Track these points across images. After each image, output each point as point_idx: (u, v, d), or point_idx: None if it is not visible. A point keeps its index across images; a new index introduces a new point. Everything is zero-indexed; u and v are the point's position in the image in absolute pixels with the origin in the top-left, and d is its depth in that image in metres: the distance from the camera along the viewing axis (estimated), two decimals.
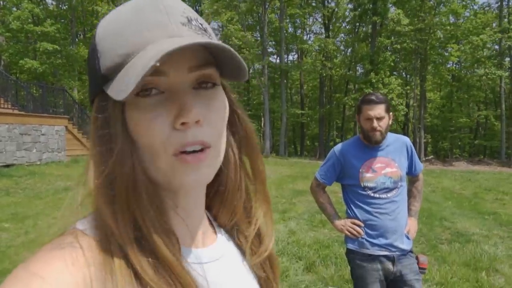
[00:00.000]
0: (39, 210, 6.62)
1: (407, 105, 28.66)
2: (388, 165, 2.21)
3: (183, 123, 0.44)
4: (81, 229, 0.45)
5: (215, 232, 0.58)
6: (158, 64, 0.39)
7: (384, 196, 2.19)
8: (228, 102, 0.52)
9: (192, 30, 0.46)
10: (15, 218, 6.07)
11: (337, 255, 4.56)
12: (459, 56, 25.85)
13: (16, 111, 12.01)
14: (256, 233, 0.59)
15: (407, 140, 2.34)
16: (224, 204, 0.58)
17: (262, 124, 28.94)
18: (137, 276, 0.42)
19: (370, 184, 2.19)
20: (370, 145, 2.23)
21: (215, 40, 0.48)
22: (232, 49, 0.44)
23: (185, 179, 0.46)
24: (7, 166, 10.89)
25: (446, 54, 26.06)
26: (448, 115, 28.44)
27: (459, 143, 32.02)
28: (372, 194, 2.19)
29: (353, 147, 2.30)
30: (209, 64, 0.47)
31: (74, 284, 0.38)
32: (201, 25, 0.48)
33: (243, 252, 0.59)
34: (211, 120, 0.47)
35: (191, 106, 0.44)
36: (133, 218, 0.44)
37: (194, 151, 0.45)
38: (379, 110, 2.14)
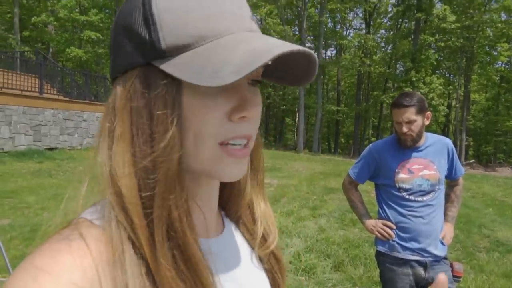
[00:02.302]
0: (87, 195, 6.92)
1: (449, 106, 27.51)
2: (426, 167, 2.11)
3: (242, 117, 0.44)
4: (90, 219, 0.43)
5: (223, 222, 0.58)
6: (269, 63, 0.38)
7: (419, 199, 2.10)
8: None
9: (256, 25, 0.46)
10: (56, 199, 6.39)
11: (366, 256, 4.47)
12: (509, 56, 24.43)
13: (61, 97, 12.59)
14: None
15: (448, 142, 2.23)
16: (233, 196, 0.58)
17: (297, 119, 28.77)
18: (148, 271, 0.40)
19: (406, 186, 2.11)
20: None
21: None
22: (316, 63, 0.45)
23: (229, 171, 0.45)
24: (51, 149, 11.48)
25: (495, 53, 24.74)
26: (494, 118, 27.03)
27: (504, 148, 30.38)
28: (407, 196, 2.11)
29: (390, 145, 2.21)
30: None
31: (82, 279, 0.37)
32: (255, 18, 0.48)
33: (249, 243, 0.59)
34: (257, 117, 0.47)
35: (253, 102, 0.44)
36: (168, 209, 0.42)
37: (238, 145, 0.45)
38: (408, 114, 2.04)
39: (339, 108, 30.05)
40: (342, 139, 37.81)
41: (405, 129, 2.05)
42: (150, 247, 0.40)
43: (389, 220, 2.16)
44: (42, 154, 10.60)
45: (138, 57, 0.42)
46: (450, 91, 26.41)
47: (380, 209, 2.24)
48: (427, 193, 2.10)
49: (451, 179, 2.27)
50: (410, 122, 2.04)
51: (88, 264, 0.38)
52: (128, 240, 0.41)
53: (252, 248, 0.58)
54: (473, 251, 5.15)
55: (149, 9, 0.42)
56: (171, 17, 0.41)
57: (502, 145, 29.68)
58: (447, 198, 2.27)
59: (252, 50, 0.39)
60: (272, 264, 0.60)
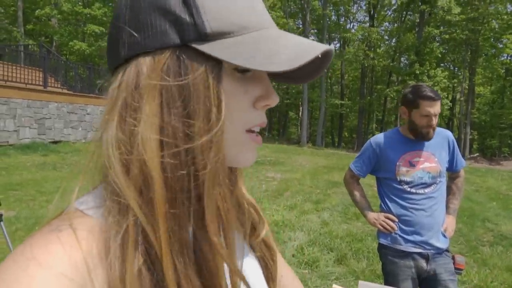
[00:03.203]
0: (83, 186, 6.97)
1: (453, 99, 27.35)
2: (427, 160, 2.12)
3: (265, 105, 0.47)
4: (81, 209, 0.43)
5: None
6: (320, 56, 0.44)
7: (421, 191, 2.10)
8: None
9: None
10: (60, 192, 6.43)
11: (369, 249, 4.48)
12: None
13: (65, 91, 12.62)
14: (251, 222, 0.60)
15: (449, 134, 2.24)
16: None
17: (300, 113, 28.72)
18: (150, 262, 0.40)
19: (407, 179, 2.11)
20: (412, 138, 2.14)
21: None
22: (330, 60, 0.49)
23: (250, 157, 0.48)
24: (55, 142, 11.54)
25: (501, 46, 24.49)
26: (499, 111, 26.82)
27: (509, 142, 30.18)
28: (408, 189, 2.11)
29: (391, 139, 2.21)
30: None
31: (73, 270, 0.37)
32: None
33: (239, 232, 0.59)
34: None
35: (274, 91, 0.48)
36: (217, 190, 0.43)
37: (256, 132, 0.49)
38: (438, 107, 2.05)
39: (342, 102, 29.96)
40: (346, 133, 37.73)
41: (434, 122, 2.05)
42: (168, 232, 0.41)
43: (391, 213, 2.16)
44: (46, 147, 10.65)
45: (175, 37, 0.42)
46: (455, 84, 26.24)
47: (382, 203, 2.24)
48: (428, 185, 2.10)
49: (452, 171, 2.27)
50: (437, 114, 2.06)
51: (78, 256, 0.38)
52: (134, 228, 0.40)
53: (244, 237, 0.58)
54: (477, 244, 5.15)
55: None
56: (214, 3, 0.43)
57: (507, 139, 29.49)
58: (449, 191, 2.27)
59: (300, 44, 0.43)
60: (263, 252, 0.61)
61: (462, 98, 25.98)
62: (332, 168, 11.99)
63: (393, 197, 2.16)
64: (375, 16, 30.05)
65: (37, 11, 21.44)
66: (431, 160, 2.12)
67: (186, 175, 0.41)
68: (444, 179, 2.17)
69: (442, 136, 2.19)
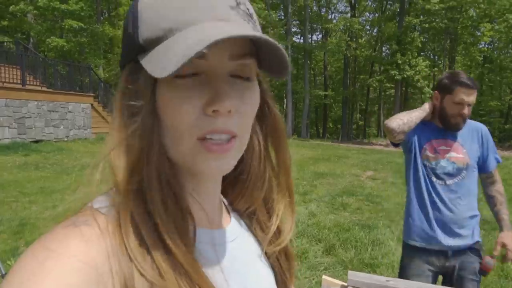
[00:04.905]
0: (66, 185, 6.84)
1: (434, 88, 27.77)
2: (454, 150, 2.00)
3: (215, 111, 0.43)
4: (96, 208, 0.44)
5: (229, 216, 0.58)
6: (205, 51, 0.38)
7: (441, 182, 1.99)
8: (260, 91, 0.51)
9: (239, 15, 0.44)
10: (43, 192, 6.31)
11: (357, 239, 4.53)
12: (492, 36, 24.65)
13: (44, 88, 12.31)
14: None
15: (481, 126, 2.10)
16: (244, 193, 0.58)
17: (284, 106, 28.77)
18: (151, 256, 0.41)
19: (430, 165, 2.01)
20: (443, 128, 2.02)
21: (258, 27, 0.48)
22: (280, 46, 0.41)
23: (206, 167, 0.45)
24: (36, 141, 11.28)
25: (479, 34, 24.93)
26: (478, 98, 27.38)
27: (488, 128, 30.78)
28: (430, 177, 2.01)
29: (422, 124, 2.06)
30: (250, 55, 0.46)
31: (90, 261, 0.38)
32: (248, 10, 0.46)
33: (257, 238, 0.59)
34: (242, 112, 0.46)
35: (227, 95, 0.42)
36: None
37: (218, 140, 0.44)
38: (473, 96, 1.93)
39: (326, 93, 30.10)
40: (330, 124, 37.99)
41: (466, 111, 1.93)
42: (143, 232, 0.42)
43: (412, 205, 2.06)
44: (27, 147, 10.40)
45: (128, 54, 0.47)
46: (436, 73, 26.65)
47: (407, 193, 2.12)
48: (451, 177, 1.99)
49: (484, 171, 2.10)
50: (471, 105, 1.94)
51: (95, 248, 0.39)
52: (131, 226, 0.42)
53: (260, 243, 0.58)
54: None
55: (135, 8, 0.45)
56: (150, 12, 0.44)
57: (486, 125, 30.03)
58: (493, 200, 2.13)
59: (198, 39, 0.38)
60: (280, 262, 0.60)
61: None
62: (318, 159, 12.08)
63: (417, 184, 2.05)
64: (356, 6, 30.17)
65: (11, 7, 20.77)
66: (459, 150, 2.01)
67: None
68: (472, 174, 2.04)
69: (473, 128, 2.08)
